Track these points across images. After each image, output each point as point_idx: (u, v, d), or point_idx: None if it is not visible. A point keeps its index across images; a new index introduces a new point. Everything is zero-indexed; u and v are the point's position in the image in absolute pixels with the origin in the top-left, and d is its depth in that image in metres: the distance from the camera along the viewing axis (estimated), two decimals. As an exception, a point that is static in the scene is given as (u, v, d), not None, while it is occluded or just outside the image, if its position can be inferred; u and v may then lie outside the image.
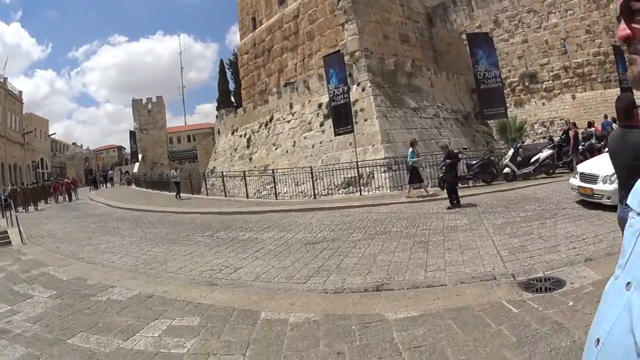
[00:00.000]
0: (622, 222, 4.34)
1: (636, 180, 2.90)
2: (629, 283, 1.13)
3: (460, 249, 8.10)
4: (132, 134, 55.77)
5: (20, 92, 47.83)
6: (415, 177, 16.13)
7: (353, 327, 4.88)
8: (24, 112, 51.23)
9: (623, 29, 1.23)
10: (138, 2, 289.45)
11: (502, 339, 4.15)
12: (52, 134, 65.86)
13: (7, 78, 41.94)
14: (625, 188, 4.29)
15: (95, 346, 5.14)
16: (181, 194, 26.16)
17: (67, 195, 33.81)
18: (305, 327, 5.09)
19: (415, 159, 16.01)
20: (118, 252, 11.41)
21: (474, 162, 18.71)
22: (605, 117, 25.96)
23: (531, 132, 33.70)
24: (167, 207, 21.66)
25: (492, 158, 19.69)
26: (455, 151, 15.86)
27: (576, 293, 5.09)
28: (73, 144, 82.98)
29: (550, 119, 34.04)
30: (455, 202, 13.02)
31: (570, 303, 4.83)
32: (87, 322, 6.04)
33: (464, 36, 33.26)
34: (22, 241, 14.66)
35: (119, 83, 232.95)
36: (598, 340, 1.17)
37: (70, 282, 8.49)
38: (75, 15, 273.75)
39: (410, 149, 16.18)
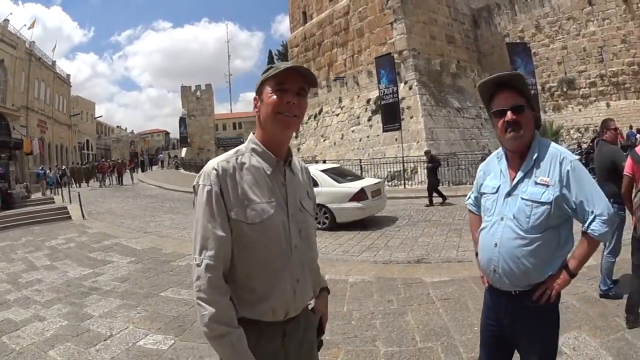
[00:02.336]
0: None
1: (604, 184, 4.67)
2: (502, 218, 2.22)
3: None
4: (182, 120, 56.91)
5: (68, 75, 48.69)
6: None
7: (399, 286, 6.10)
8: (71, 94, 52.57)
9: None
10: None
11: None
12: (98, 117, 66.52)
13: (55, 61, 43.52)
14: (604, 190, 5.77)
15: (188, 297, 5.79)
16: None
17: (118, 177, 32.97)
18: (361, 285, 6.27)
19: None
20: (185, 228, 11.96)
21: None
22: (630, 127, 26.77)
23: (567, 137, 34.37)
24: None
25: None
26: (439, 157, 17.52)
27: None
28: (117, 126, 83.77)
29: (585, 125, 34.84)
30: (440, 199, 14.87)
31: None
32: (174, 280, 6.76)
33: (507, 39, 34.34)
34: (82, 216, 15.38)
35: (162, 68, 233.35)
36: (496, 244, 2.23)
37: (146, 251, 9.14)
38: (118, 1, 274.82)
39: None
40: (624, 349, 4.03)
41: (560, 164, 2.12)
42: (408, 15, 32.97)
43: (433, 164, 15.45)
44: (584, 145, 22.63)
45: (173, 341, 4.51)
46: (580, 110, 35.87)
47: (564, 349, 4.03)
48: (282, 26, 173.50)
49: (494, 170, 2.37)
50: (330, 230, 10.77)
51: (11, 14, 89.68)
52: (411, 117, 26.16)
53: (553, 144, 2.24)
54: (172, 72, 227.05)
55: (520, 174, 2.19)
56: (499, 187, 2.27)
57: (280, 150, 1.83)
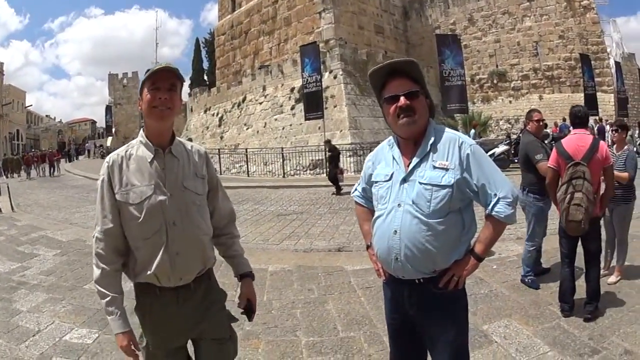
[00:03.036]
0: (523, 205, 5.39)
1: (524, 173, 5.32)
2: (399, 204, 2.12)
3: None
4: (108, 108, 55.40)
5: (2, 63, 47.28)
6: None
7: (319, 274, 6.10)
8: (3, 83, 50.56)
9: None
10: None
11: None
12: (28, 106, 65.12)
13: (-11, 50, 41.56)
14: (523, 179, 5.61)
15: None
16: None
17: (50, 168, 31.75)
18: (281, 274, 6.28)
19: (477, 140, 16.93)
20: None
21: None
22: (564, 120, 27.18)
23: (496, 127, 34.80)
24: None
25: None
26: (337, 146, 17.50)
27: (501, 260, 6.30)
28: (46, 116, 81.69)
29: (515, 117, 35.11)
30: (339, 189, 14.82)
31: (494, 267, 6.02)
32: None
33: (438, 31, 34.26)
34: (12, 209, 15.00)
35: (92, 56, 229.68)
36: (396, 231, 2.12)
37: (71, 243, 9.08)
38: None
39: (473, 130, 18.53)
40: (560, 337, 4.00)
41: (459, 147, 2.10)
42: (337, 5, 32.73)
43: (333, 153, 15.70)
44: (514, 136, 22.53)
45: (97, 334, 4.53)
46: (510, 102, 36.43)
47: (493, 337, 4.04)
48: (211, 14, 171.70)
49: (385, 158, 2.29)
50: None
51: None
52: (335, 106, 25.93)
53: (448, 129, 2.22)
54: (101, 60, 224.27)
55: (415, 160, 2.13)
56: (392, 174, 2.19)
57: (161, 139, 2.12)
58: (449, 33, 32.47)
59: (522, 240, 5.79)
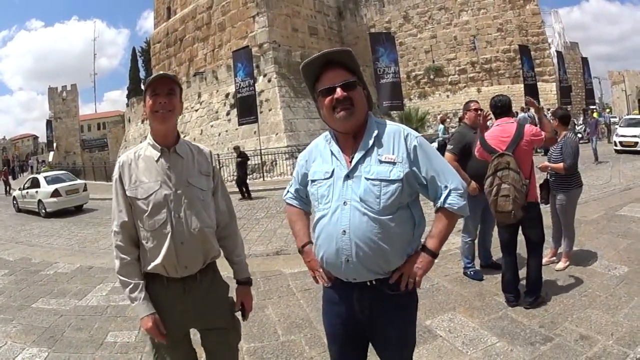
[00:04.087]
0: None
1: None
2: (345, 202, 1.97)
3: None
4: (49, 123, 54.17)
5: None
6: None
7: (258, 279, 6.04)
8: None
9: None
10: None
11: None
12: None
13: None
14: None
15: (56, 306, 5.89)
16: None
17: (5, 187, 28.77)
18: None
19: (446, 135, 16.75)
20: (52, 235, 12.05)
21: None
22: (523, 110, 27.70)
23: (434, 122, 34.81)
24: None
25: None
26: (246, 152, 17.93)
27: (442, 254, 6.38)
28: None
29: (453, 111, 35.46)
30: (246, 194, 15.27)
31: (435, 260, 6.01)
32: (44, 290, 6.72)
33: (372, 30, 34.60)
34: None
35: (33, 70, 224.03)
36: (344, 231, 1.96)
37: (17, 262, 9.00)
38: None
39: (442, 125, 18.12)
40: (508, 327, 3.94)
41: (405, 140, 2.00)
42: (271, 8, 32.90)
43: (242, 158, 16.09)
44: (452, 130, 22.98)
45: (47, 353, 4.46)
46: (448, 96, 37.22)
47: (438, 332, 3.96)
48: (148, 22, 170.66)
49: (321, 155, 2.14)
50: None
51: None
52: (270, 110, 26.10)
53: (389, 121, 2.12)
54: (42, 74, 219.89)
55: (358, 154, 1.99)
56: (332, 170, 2.04)
57: (166, 140, 2.33)
58: (384, 31, 32.97)
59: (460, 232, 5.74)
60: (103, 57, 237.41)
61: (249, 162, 17.02)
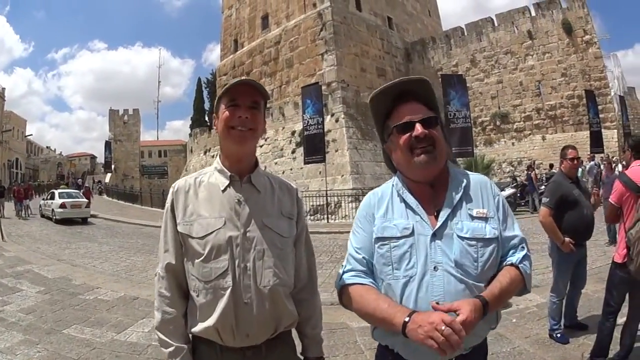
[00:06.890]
0: (549, 251, 4.96)
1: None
2: (435, 267, 1.59)
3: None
4: (108, 144, 55.62)
5: (4, 89, 47.20)
6: None
7: (324, 332, 5.48)
8: (4, 109, 50.43)
9: None
10: (122, 10, 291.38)
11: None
12: (28, 135, 65.16)
13: (-9, 75, 41.68)
14: None
15: (90, 337, 5.43)
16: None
17: (16, 207, 23.40)
18: None
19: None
20: (98, 258, 11.76)
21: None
22: (593, 157, 26.56)
23: (499, 170, 34.12)
24: (140, 220, 21.85)
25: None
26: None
27: (520, 312, 5.70)
28: (47, 147, 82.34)
29: (518, 159, 34.63)
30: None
31: (514, 320, 5.46)
32: (79, 316, 6.28)
33: (440, 73, 34.06)
34: (2, 238, 14.78)
35: (94, 90, 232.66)
36: (438, 302, 1.51)
37: (56, 280, 8.66)
38: (62, 17, 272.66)
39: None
40: None
41: (492, 191, 1.72)
42: (340, 47, 32.66)
43: None
44: (520, 179, 22.21)
45: None
46: (513, 144, 35.94)
47: None
48: (213, 54, 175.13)
49: (394, 209, 1.72)
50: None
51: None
52: (336, 150, 25.69)
53: (467, 170, 1.83)
54: (102, 95, 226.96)
55: (446, 209, 1.64)
56: (412, 227, 1.64)
57: (240, 166, 1.79)
58: (456, 74, 32.38)
59: (539, 288, 5.39)
60: (167, 86, 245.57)
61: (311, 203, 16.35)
